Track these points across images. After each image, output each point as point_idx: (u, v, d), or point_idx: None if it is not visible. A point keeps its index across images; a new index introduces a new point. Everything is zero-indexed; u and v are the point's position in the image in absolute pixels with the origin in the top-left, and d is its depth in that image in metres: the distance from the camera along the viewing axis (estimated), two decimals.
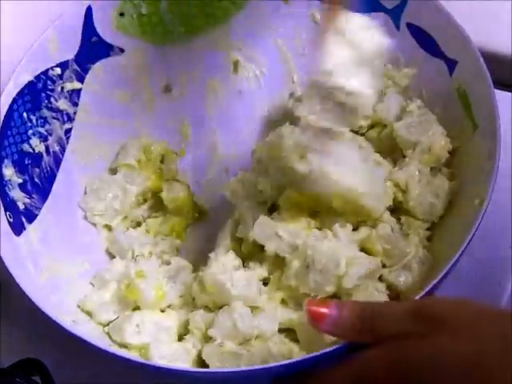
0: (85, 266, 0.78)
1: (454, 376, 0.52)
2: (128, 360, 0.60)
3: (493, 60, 0.72)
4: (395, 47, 0.79)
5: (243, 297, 0.70)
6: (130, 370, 0.67)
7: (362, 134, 0.80)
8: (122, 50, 0.85)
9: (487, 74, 0.70)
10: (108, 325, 0.74)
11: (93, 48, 0.83)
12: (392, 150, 0.78)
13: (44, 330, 0.68)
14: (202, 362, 0.69)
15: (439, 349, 0.53)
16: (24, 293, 0.66)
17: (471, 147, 0.72)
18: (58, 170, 0.81)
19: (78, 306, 0.74)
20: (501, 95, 0.70)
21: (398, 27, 0.80)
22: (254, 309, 0.70)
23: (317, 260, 0.69)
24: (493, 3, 0.89)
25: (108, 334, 0.73)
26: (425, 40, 0.77)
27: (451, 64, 0.74)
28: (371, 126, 0.81)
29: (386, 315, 0.57)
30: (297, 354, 0.67)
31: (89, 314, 0.74)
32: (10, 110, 0.76)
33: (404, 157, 0.76)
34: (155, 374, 0.62)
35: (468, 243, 0.62)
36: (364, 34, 0.67)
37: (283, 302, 0.73)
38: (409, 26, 0.79)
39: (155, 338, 0.71)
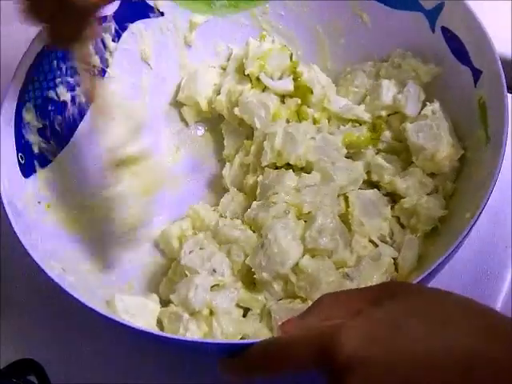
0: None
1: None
2: (94, 311, 0.62)
3: None
4: (427, 48, 0.80)
5: None
6: (127, 371, 0.71)
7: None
8: (162, 14, 0.87)
9: (506, 90, 0.69)
10: None
11: (133, 7, 0.84)
12: (402, 150, 0.78)
13: (40, 331, 0.72)
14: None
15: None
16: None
17: (479, 160, 0.71)
18: (80, 121, 0.82)
19: None
20: None
21: (433, 30, 0.79)
22: (216, 285, 0.72)
23: None
24: (493, 3, 0.88)
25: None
26: (456, 46, 0.76)
27: (476, 74, 0.73)
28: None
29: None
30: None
31: None
32: (40, 55, 0.77)
33: (412, 162, 0.76)
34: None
35: (450, 254, 0.62)
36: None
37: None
38: (443, 29, 0.78)
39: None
